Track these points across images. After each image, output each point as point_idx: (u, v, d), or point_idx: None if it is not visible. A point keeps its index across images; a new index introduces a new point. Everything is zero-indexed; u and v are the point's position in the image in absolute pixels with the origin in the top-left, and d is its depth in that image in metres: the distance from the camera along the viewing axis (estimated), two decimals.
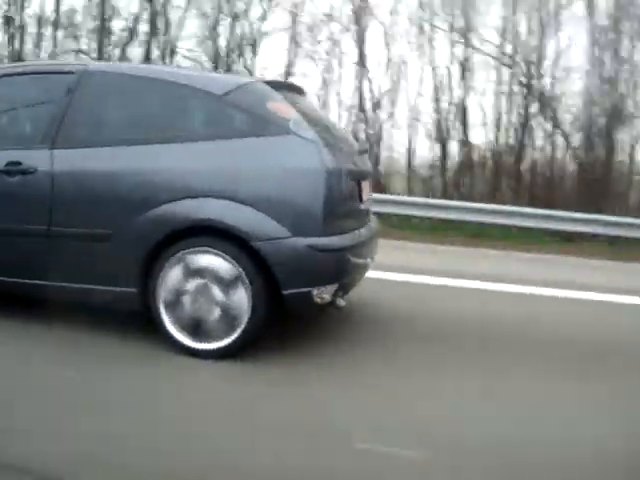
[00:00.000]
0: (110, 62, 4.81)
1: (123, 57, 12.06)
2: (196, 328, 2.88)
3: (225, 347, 2.86)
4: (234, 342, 2.85)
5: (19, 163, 3.08)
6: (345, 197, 3.04)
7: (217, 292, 2.84)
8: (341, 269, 2.95)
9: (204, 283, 2.85)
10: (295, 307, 2.91)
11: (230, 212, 2.81)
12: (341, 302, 3.00)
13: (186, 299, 2.88)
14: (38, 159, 3.07)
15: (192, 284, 2.87)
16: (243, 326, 2.83)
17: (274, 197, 2.82)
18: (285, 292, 2.81)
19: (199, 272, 2.86)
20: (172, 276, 2.89)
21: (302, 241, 2.79)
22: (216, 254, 2.83)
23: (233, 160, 2.88)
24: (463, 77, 11.59)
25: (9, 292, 3.23)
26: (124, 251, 2.93)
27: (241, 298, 2.82)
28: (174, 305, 2.90)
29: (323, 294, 2.88)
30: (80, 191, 3.01)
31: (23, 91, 3.34)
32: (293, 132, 2.89)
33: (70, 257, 3.05)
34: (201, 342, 2.88)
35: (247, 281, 2.80)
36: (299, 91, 3.47)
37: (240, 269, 2.80)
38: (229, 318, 2.84)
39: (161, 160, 2.93)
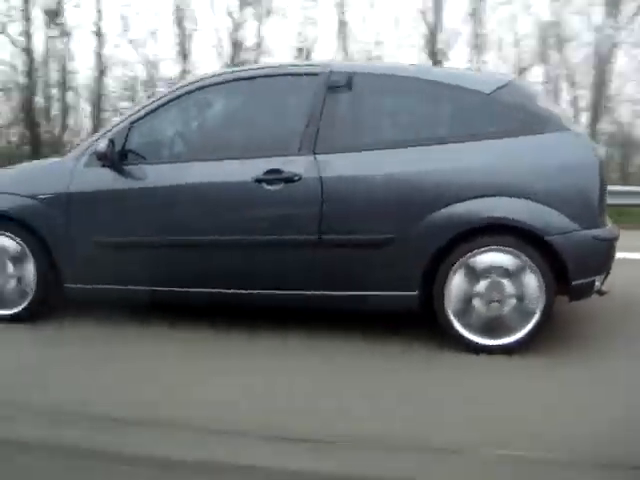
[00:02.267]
0: (351, 62, 4.69)
1: None
2: (489, 325, 2.91)
3: (518, 341, 2.90)
4: (528, 335, 2.90)
5: (280, 171, 2.98)
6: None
7: (509, 288, 2.88)
8: (611, 258, 3.07)
9: (496, 281, 2.88)
10: (577, 296, 3.02)
11: (525, 209, 2.86)
12: (605, 289, 3.14)
13: (477, 298, 2.90)
14: (302, 166, 2.97)
15: (483, 282, 2.89)
16: (536, 319, 2.89)
17: (562, 192, 2.89)
18: (574, 282, 2.90)
19: (490, 270, 2.88)
20: (462, 275, 2.90)
21: (589, 233, 2.89)
22: (507, 251, 2.88)
23: (520, 157, 2.92)
24: None
25: (268, 305, 3.13)
26: (408, 254, 2.91)
27: (534, 291, 2.87)
28: (464, 304, 2.92)
29: (597, 282, 3.02)
30: (356, 197, 2.95)
31: (261, 95, 3.22)
32: (569, 128, 3.00)
33: (344, 265, 2.98)
34: (494, 339, 2.91)
35: (540, 274, 2.86)
36: None
37: (533, 264, 2.86)
38: (523, 313, 2.89)
39: (442, 160, 2.93)
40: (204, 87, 3.21)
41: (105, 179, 3.15)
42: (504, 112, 3.00)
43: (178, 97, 3.20)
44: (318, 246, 2.97)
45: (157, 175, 3.14)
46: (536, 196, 2.87)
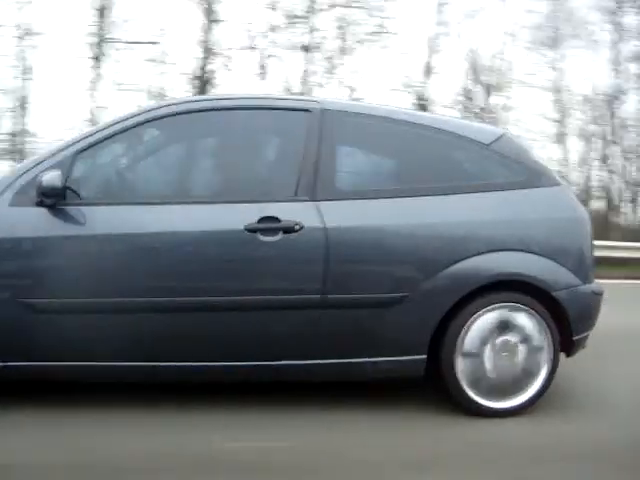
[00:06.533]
0: (342, 99, 4.04)
1: None
2: (497, 388, 2.71)
3: (525, 403, 2.74)
4: (534, 396, 2.75)
5: (277, 219, 2.51)
6: None
7: (519, 348, 2.71)
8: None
9: (505, 340, 2.70)
10: (574, 351, 2.93)
11: (531, 264, 2.72)
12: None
13: (487, 359, 2.69)
14: (301, 214, 2.54)
15: (493, 342, 2.69)
16: (543, 378, 2.75)
17: (564, 247, 2.81)
18: (575, 338, 2.82)
19: (499, 329, 2.70)
20: (471, 336, 2.68)
21: (589, 287, 2.85)
22: (515, 308, 2.71)
23: (521, 212, 2.78)
24: None
25: (261, 379, 2.62)
26: (418, 315, 2.62)
27: (542, 349, 2.74)
28: (473, 366, 2.69)
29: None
30: (365, 250, 2.58)
31: (243, 129, 2.70)
32: (561, 183, 2.94)
33: (351, 328, 2.59)
34: (500, 401, 2.72)
35: (548, 332, 2.74)
36: None
37: (541, 320, 2.73)
38: (530, 372, 2.73)
39: (455, 212, 2.69)
40: (171, 115, 2.62)
41: (42, 223, 2.44)
42: (503, 164, 2.86)
43: (138, 124, 2.59)
44: (321, 307, 2.54)
45: (114, 219, 2.49)
46: (542, 251, 2.76)
